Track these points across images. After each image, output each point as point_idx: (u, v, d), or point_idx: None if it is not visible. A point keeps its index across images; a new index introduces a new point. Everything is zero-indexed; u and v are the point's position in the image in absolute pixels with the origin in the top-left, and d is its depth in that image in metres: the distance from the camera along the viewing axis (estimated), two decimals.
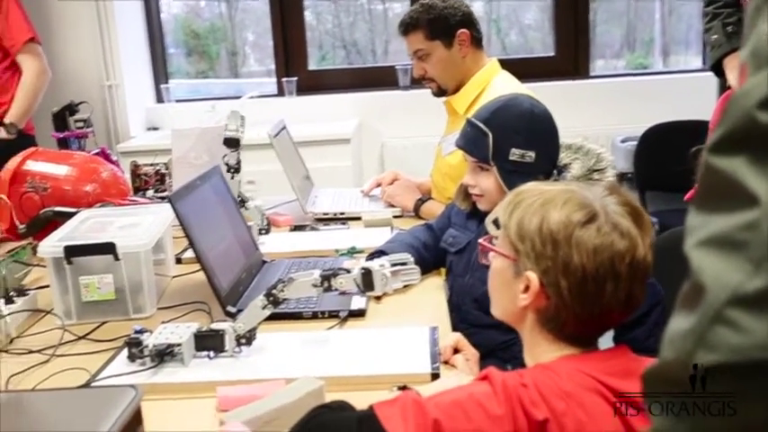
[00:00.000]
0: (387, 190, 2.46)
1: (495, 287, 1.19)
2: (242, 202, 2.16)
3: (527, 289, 1.09)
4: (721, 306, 0.57)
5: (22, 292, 1.70)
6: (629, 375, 1.05)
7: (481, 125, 1.71)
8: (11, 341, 1.57)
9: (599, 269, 1.05)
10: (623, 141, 3.78)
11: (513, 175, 1.65)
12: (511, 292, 1.12)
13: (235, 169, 2.11)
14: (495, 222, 1.19)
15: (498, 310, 1.19)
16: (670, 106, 3.72)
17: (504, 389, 0.98)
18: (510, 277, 1.13)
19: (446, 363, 1.41)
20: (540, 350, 1.11)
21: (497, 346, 1.65)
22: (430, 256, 1.89)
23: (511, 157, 1.68)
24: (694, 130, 2.99)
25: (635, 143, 3.67)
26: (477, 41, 2.33)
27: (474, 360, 1.43)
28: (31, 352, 1.50)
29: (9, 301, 1.64)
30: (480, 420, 0.96)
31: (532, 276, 1.08)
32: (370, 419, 0.98)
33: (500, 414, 0.96)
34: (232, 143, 2.10)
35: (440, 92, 2.38)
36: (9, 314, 1.59)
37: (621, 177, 1.70)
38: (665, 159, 3.52)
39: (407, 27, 2.34)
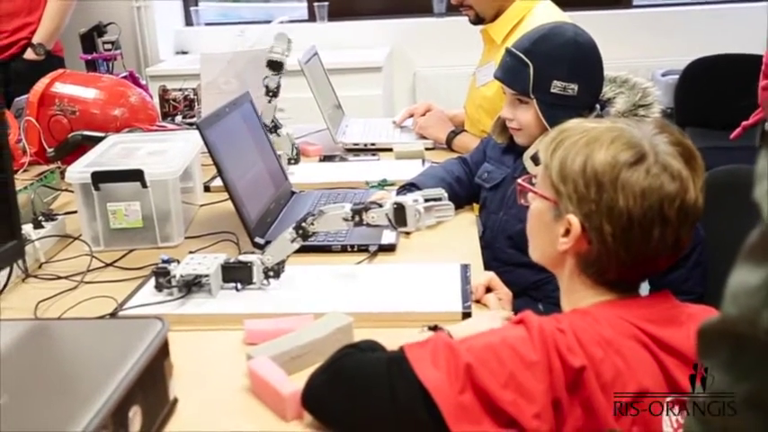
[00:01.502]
0: (419, 121, 2.40)
1: (534, 229, 1.14)
2: (274, 128, 2.12)
3: (567, 233, 1.04)
4: None
5: (50, 216, 1.69)
6: (671, 323, 1.01)
7: (521, 55, 1.63)
8: (39, 266, 1.57)
9: (646, 214, 0.99)
10: (664, 75, 3.66)
11: (554, 109, 1.58)
12: (550, 236, 1.07)
13: (273, 93, 2.06)
14: (534, 158, 1.14)
15: (536, 253, 1.15)
16: (716, 38, 3.57)
17: (540, 334, 0.94)
18: (550, 220, 1.08)
19: (477, 302, 1.37)
20: (579, 296, 1.07)
21: (530, 285, 1.62)
22: (463, 191, 1.84)
23: (552, 90, 1.61)
24: (743, 63, 2.88)
25: (676, 77, 3.55)
26: None
27: (507, 300, 1.40)
28: (59, 278, 1.50)
29: (38, 225, 1.63)
30: (514, 366, 0.92)
31: (574, 220, 1.03)
32: (399, 361, 0.95)
33: (535, 360, 0.92)
34: (276, 66, 2.05)
35: (477, 20, 2.28)
36: (38, 239, 1.58)
37: (663, 113, 1.63)
38: (708, 95, 3.41)
39: None
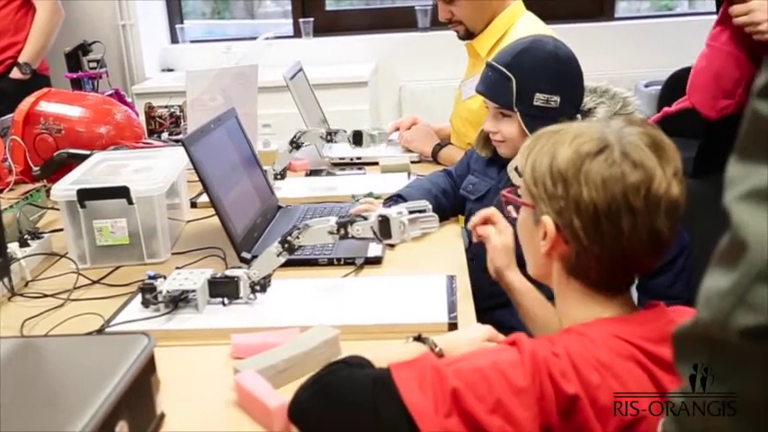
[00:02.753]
0: (405, 135, 2.41)
1: (523, 241, 1.14)
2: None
3: (545, 235, 1.04)
4: (764, 264, 0.53)
5: (36, 234, 1.69)
6: (667, 340, 1.00)
7: (504, 69, 1.65)
8: (26, 284, 1.57)
9: (611, 204, 0.98)
10: (647, 86, 3.69)
11: (537, 121, 1.60)
12: (535, 243, 1.07)
13: None
14: (518, 170, 1.14)
15: (530, 266, 1.15)
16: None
17: (532, 358, 0.93)
18: (532, 226, 1.08)
19: (479, 241, 1.44)
20: (571, 303, 1.06)
21: None
22: (448, 203, 1.86)
23: (535, 103, 1.62)
24: None
25: (659, 88, 3.58)
26: None
27: (507, 233, 1.39)
28: (45, 296, 1.50)
29: (23, 243, 1.63)
30: (502, 391, 0.91)
31: (547, 220, 1.03)
32: (385, 381, 0.94)
33: (524, 386, 0.91)
34: None
35: (467, 35, 2.27)
36: (24, 257, 1.58)
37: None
38: None
39: None
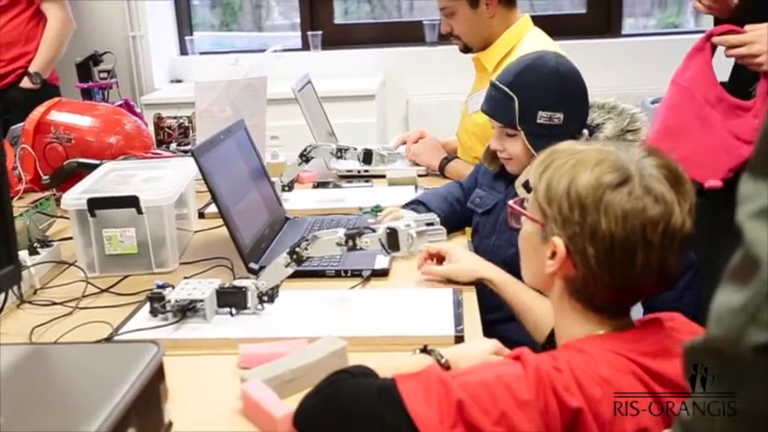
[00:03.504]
0: (412, 148, 2.43)
1: (524, 251, 1.15)
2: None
3: (554, 255, 1.04)
4: None
5: (45, 243, 1.70)
6: (665, 354, 1.00)
7: (506, 89, 1.66)
8: (35, 292, 1.58)
9: (629, 237, 0.98)
10: (653, 102, 3.68)
11: (542, 139, 1.61)
12: (539, 258, 1.08)
13: None
14: (526, 186, 1.15)
15: (527, 275, 1.16)
16: None
17: (536, 372, 0.94)
18: (537, 242, 1.08)
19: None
20: (570, 320, 1.07)
21: None
22: (462, 213, 1.88)
23: (539, 121, 1.63)
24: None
25: None
26: (507, 1, 2.26)
27: (453, 254, 1.49)
28: (54, 304, 1.51)
29: (33, 251, 1.64)
30: (506, 404, 0.92)
31: (558, 242, 1.03)
32: (390, 390, 0.95)
33: (528, 399, 0.92)
34: None
35: (466, 49, 2.33)
36: (33, 265, 1.59)
37: None
38: None
39: None
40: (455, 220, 1.63)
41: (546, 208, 1.05)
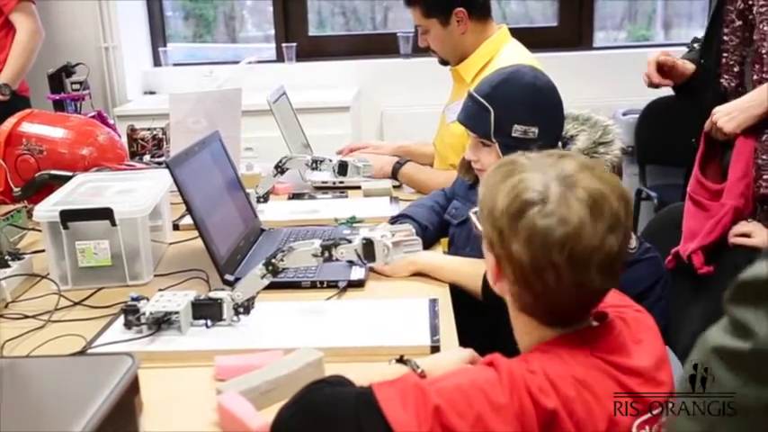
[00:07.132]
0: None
1: (486, 262, 1.17)
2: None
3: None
4: None
5: (17, 255, 1.68)
6: (622, 350, 1.03)
7: (482, 100, 1.67)
8: (6, 305, 1.56)
9: (533, 259, 0.98)
10: (625, 114, 3.74)
11: (516, 151, 1.62)
12: (489, 266, 1.09)
13: None
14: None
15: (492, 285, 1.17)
16: None
17: (509, 376, 0.96)
18: (487, 250, 1.10)
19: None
20: (524, 331, 1.09)
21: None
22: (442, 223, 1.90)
23: (513, 134, 1.64)
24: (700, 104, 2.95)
25: (636, 116, 3.64)
26: (479, 16, 2.27)
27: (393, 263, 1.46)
28: (26, 317, 1.49)
29: (4, 264, 1.62)
30: (482, 408, 0.93)
31: (489, 258, 1.07)
32: (367, 398, 0.96)
33: (503, 403, 0.93)
34: None
35: (443, 62, 2.37)
36: (4, 278, 1.57)
37: (623, 151, 1.69)
38: (666, 133, 3.49)
39: (407, 1, 2.30)
40: (441, 228, 1.65)
41: (482, 224, 1.08)
